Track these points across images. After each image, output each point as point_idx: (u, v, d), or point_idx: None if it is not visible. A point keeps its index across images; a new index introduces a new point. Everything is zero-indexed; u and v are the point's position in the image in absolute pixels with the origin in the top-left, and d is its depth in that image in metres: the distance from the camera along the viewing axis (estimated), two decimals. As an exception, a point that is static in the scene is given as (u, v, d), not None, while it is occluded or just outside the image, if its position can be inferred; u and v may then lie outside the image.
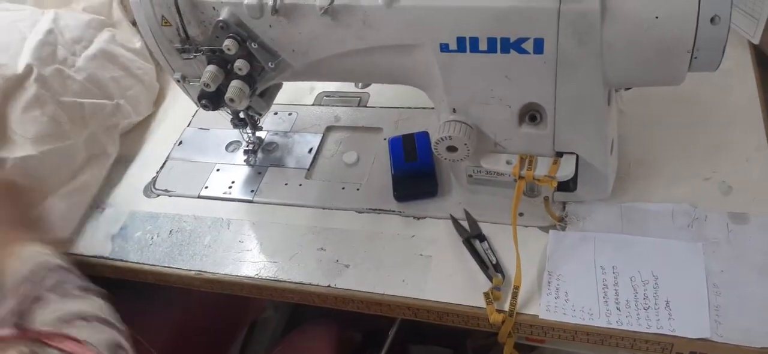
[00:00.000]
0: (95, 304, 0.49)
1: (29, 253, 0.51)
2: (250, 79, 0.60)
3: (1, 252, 0.52)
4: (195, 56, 0.61)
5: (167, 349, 0.73)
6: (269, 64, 0.58)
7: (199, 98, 0.61)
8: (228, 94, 0.59)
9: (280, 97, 0.77)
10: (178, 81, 0.65)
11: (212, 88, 0.60)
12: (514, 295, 0.53)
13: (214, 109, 0.62)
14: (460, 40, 0.50)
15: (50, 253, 0.52)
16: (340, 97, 0.82)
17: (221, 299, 0.69)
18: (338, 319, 0.83)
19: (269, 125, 0.80)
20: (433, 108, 0.60)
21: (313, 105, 0.82)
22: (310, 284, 0.60)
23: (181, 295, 0.71)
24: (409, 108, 0.77)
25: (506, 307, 0.53)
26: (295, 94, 0.83)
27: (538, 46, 0.48)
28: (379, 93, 0.80)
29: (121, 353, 0.47)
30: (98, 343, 0.46)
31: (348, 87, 0.83)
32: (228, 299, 0.68)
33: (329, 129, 0.77)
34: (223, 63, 0.60)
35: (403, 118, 0.76)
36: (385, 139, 0.73)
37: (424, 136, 0.71)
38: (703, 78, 0.67)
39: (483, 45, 0.50)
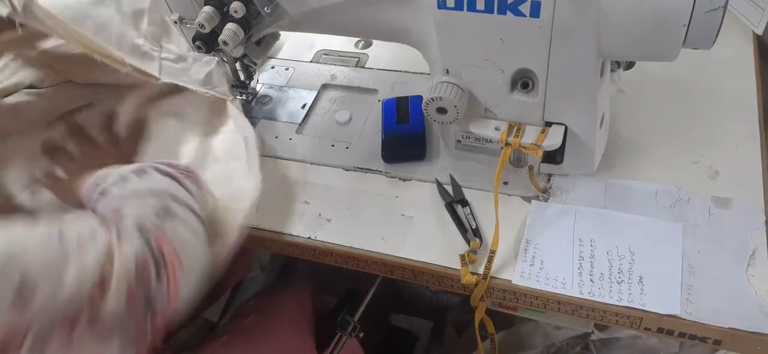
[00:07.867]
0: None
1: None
2: (245, 24, 0.60)
3: None
4: (193, -4, 0.61)
5: None
6: (265, 8, 0.58)
7: (194, 39, 0.61)
8: (222, 37, 0.59)
9: (279, 52, 0.77)
10: (176, 22, 0.65)
11: (207, 30, 0.59)
12: (490, 259, 0.52)
13: (207, 52, 0.62)
14: (458, -3, 0.49)
15: None
16: (339, 56, 0.81)
17: None
18: (319, 283, 0.83)
19: (265, 78, 0.79)
20: (430, 73, 0.59)
21: (310, 62, 0.81)
22: (290, 234, 0.60)
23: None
24: (407, 72, 0.76)
25: (481, 270, 0.53)
26: (294, 50, 0.83)
27: (535, 9, 0.48)
28: (378, 56, 0.80)
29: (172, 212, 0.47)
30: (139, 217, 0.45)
31: (347, 47, 0.82)
32: None
33: (325, 87, 0.77)
34: (220, 5, 0.59)
35: (400, 82, 0.75)
36: (379, 100, 0.73)
37: (419, 100, 0.70)
38: (702, 65, 0.67)
39: (480, 4, 0.49)
